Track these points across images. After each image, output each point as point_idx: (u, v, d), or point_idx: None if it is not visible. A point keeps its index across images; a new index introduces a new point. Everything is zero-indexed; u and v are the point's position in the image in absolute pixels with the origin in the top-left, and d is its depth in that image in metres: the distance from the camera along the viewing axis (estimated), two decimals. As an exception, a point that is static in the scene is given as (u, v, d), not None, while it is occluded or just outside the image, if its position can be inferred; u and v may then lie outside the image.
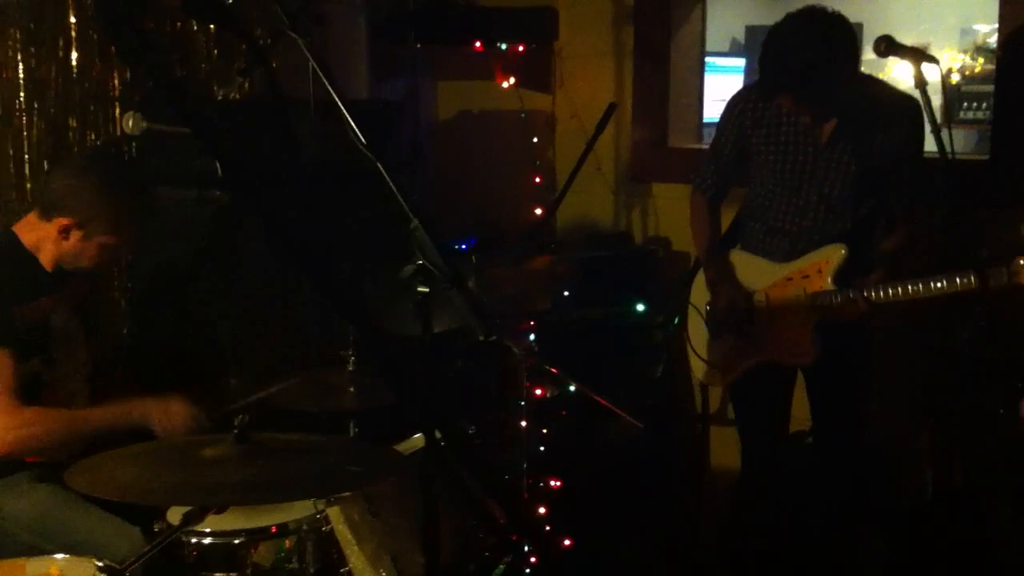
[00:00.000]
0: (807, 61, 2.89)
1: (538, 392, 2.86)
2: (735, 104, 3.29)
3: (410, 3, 4.33)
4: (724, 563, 3.78)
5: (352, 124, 1.94)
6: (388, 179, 1.89)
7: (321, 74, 2.01)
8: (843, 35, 2.97)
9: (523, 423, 2.84)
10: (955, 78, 6.13)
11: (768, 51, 3.00)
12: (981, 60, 6.31)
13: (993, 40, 6.18)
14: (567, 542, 2.98)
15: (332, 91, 1.98)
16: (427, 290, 1.84)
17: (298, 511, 2.35)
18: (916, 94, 3.01)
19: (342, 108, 1.96)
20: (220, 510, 1.97)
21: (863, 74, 3.12)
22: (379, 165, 1.90)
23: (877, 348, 3.36)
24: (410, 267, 1.85)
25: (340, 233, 3.30)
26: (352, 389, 3.02)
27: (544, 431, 3.04)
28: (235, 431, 1.96)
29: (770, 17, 6.80)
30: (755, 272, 3.30)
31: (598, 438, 3.45)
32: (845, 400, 3.31)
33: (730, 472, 3.76)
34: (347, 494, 2.27)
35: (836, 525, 3.44)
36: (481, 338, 1.81)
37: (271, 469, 1.90)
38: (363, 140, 1.92)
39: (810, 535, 3.50)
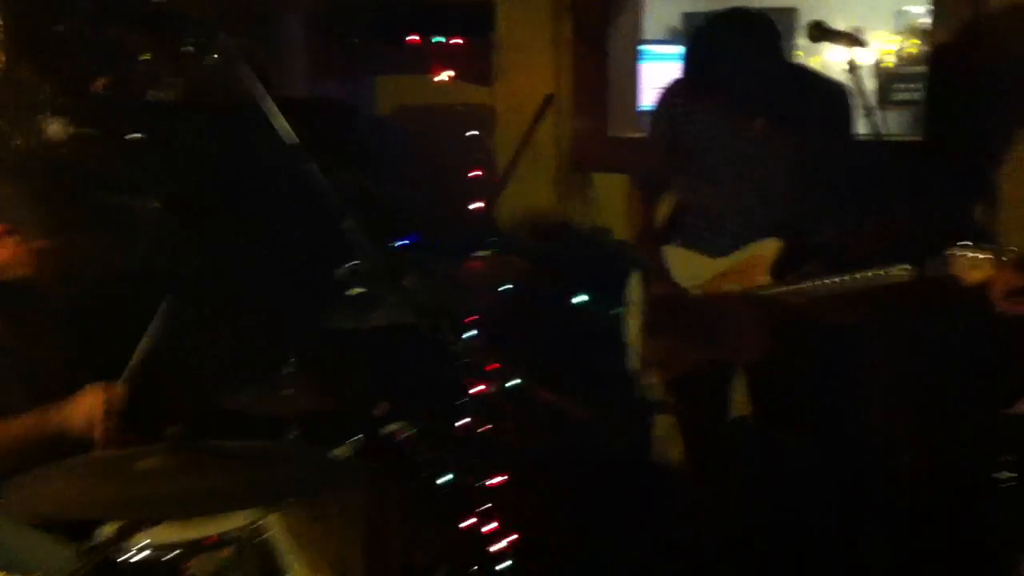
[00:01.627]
0: (733, 60, 2.90)
1: (481, 388, 2.84)
2: (666, 98, 3.27)
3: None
4: (676, 554, 3.78)
5: (283, 123, 1.92)
6: (321, 177, 1.87)
7: (252, 74, 1.98)
8: (767, 33, 2.98)
9: (466, 421, 2.81)
10: (891, 61, 6.19)
11: (695, 50, 3.01)
12: (915, 41, 6.38)
13: (926, 21, 6.26)
14: (512, 539, 2.96)
15: (262, 91, 1.96)
16: (364, 290, 1.82)
17: (237, 520, 2.31)
18: (849, 78, 3.05)
19: (273, 107, 1.94)
20: (155, 522, 1.92)
21: (792, 64, 3.14)
22: (313, 165, 1.88)
23: (857, 347, 3.36)
24: (347, 267, 1.83)
25: (276, 234, 3.25)
26: (292, 392, 2.98)
27: (488, 427, 3.01)
28: (167, 441, 1.92)
29: (706, 4, 6.83)
30: (692, 268, 3.28)
31: (545, 432, 3.43)
32: (786, 395, 3.29)
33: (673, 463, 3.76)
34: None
35: (787, 515, 3.44)
36: (424, 333, 1.79)
37: (206, 479, 1.86)
38: (295, 139, 1.90)
39: (759, 527, 3.50)
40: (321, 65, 4.40)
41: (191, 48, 3.18)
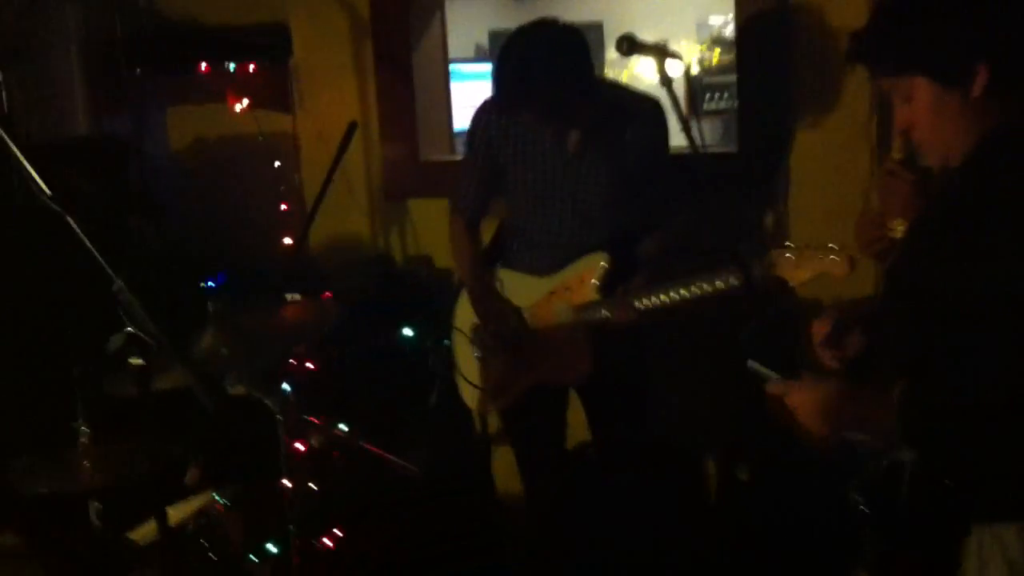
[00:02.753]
0: (542, 77, 2.81)
1: (299, 447, 2.61)
2: (480, 117, 3.18)
3: (120, 27, 3.96)
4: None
5: (32, 172, 1.64)
6: (80, 234, 1.60)
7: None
8: (576, 47, 2.90)
9: (286, 482, 2.58)
10: (695, 70, 6.27)
11: (502, 68, 2.90)
12: (718, 51, 6.50)
13: (728, 31, 6.39)
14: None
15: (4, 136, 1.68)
16: (141, 362, 1.57)
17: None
18: (662, 91, 2.99)
19: (18, 155, 1.66)
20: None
21: (603, 79, 3.08)
22: (69, 219, 1.61)
23: (658, 354, 3.30)
24: (119, 336, 1.57)
25: (43, 296, 2.93)
26: (87, 464, 2.67)
27: (312, 486, 2.79)
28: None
29: (512, 20, 6.75)
30: (519, 289, 3.20)
31: (375, 481, 3.22)
32: (624, 412, 3.23)
33: (520, 495, 3.62)
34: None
35: (632, 539, 3.36)
36: (208, 411, 1.56)
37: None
38: (47, 190, 1.63)
39: (606, 553, 3.40)
40: (102, 100, 4.05)
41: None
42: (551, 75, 2.81)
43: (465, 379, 3.23)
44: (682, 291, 2.85)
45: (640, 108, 3.07)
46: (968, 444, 1.74)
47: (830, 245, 2.64)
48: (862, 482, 1.91)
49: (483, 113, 3.17)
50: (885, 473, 1.86)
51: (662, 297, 2.88)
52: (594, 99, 2.96)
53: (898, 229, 2.31)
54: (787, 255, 2.69)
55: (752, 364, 1.97)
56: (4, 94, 3.45)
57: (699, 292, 2.83)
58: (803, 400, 1.89)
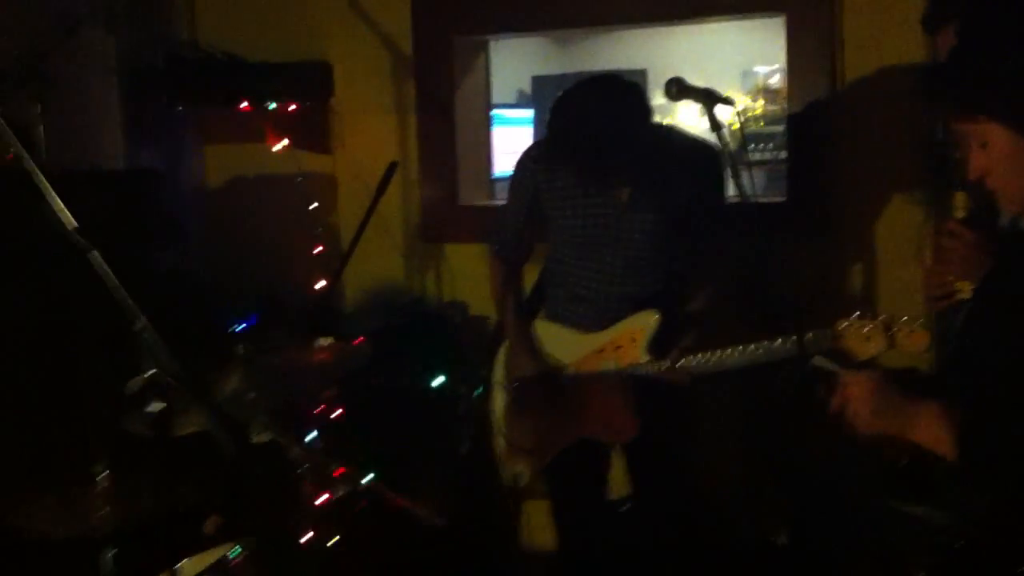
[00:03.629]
0: (600, 137, 2.73)
1: (324, 496, 2.51)
2: (526, 163, 3.09)
3: (161, 59, 3.92)
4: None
5: (58, 204, 1.56)
6: (105, 269, 1.52)
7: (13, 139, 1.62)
8: (635, 102, 2.82)
9: (310, 533, 2.48)
10: (738, 120, 6.17)
11: (557, 122, 2.82)
12: (762, 101, 6.41)
13: (773, 81, 6.30)
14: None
15: (29, 162, 1.60)
16: (162, 406, 1.48)
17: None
18: (711, 137, 2.90)
19: (46, 187, 1.58)
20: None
21: (658, 125, 2.98)
22: (94, 253, 1.53)
23: (700, 412, 3.20)
24: (139, 379, 1.48)
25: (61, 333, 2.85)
26: (107, 509, 2.58)
27: (334, 539, 2.68)
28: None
29: (556, 67, 6.74)
30: (562, 344, 3.08)
31: (400, 533, 3.11)
32: (669, 471, 3.12)
33: (545, 550, 3.50)
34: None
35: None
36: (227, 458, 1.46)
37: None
38: (74, 223, 1.55)
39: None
40: (141, 134, 4.01)
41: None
42: (609, 135, 2.73)
43: (501, 432, 3.11)
44: (740, 358, 2.76)
45: (696, 154, 2.98)
46: None
47: (904, 318, 2.50)
48: (928, 560, 1.78)
49: (529, 157, 3.09)
50: (959, 555, 1.73)
51: (715, 361, 2.79)
52: (649, 149, 2.87)
53: (965, 289, 2.19)
54: (856, 327, 2.54)
55: (817, 360, 1.97)
56: (41, 127, 3.41)
57: (758, 360, 2.73)
58: (860, 389, 1.86)
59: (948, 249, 2.25)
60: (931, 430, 1.77)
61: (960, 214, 2.25)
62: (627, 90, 2.83)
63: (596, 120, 2.74)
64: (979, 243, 2.18)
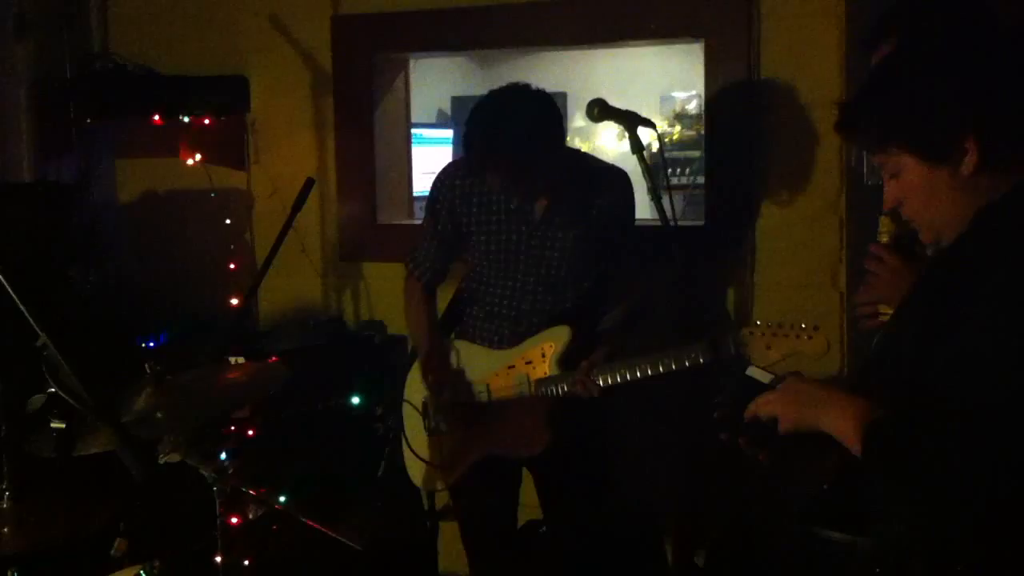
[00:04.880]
0: (514, 140, 2.74)
1: (234, 520, 2.45)
2: (443, 181, 3.09)
3: (72, 70, 3.82)
4: None
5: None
6: (4, 283, 1.45)
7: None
8: (548, 112, 2.85)
9: (218, 558, 2.41)
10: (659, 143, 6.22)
11: (473, 129, 2.83)
12: (679, 127, 6.47)
13: (692, 106, 6.37)
14: None
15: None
16: (63, 426, 1.42)
17: None
18: (632, 159, 2.92)
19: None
20: None
21: (570, 148, 3.02)
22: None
23: (614, 429, 3.19)
24: (40, 396, 1.41)
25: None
26: (7, 530, 2.48)
27: (246, 562, 2.61)
28: None
29: (476, 87, 6.73)
30: (475, 361, 3.07)
31: (315, 556, 3.05)
32: (579, 489, 3.11)
33: (464, 573, 3.46)
34: None
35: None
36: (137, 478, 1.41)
37: None
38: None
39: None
40: (51, 146, 3.89)
41: None
42: (522, 138, 2.75)
43: (414, 454, 3.08)
44: (648, 367, 2.77)
45: (609, 178, 3.02)
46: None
47: (804, 325, 2.56)
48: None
49: (446, 176, 3.10)
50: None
51: (627, 373, 2.80)
52: (563, 166, 2.91)
53: (885, 314, 2.22)
54: (758, 334, 2.61)
55: (751, 370, 1.94)
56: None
57: (665, 369, 2.74)
58: (787, 388, 1.86)
59: (873, 273, 2.28)
60: (841, 420, 1.77)
61: (884, 239, 2.28)
62: (542, 97, 2.86)
63: (515, 123, 2.76)
64: (903, 268, 2.21)
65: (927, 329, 1.74)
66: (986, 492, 1.59)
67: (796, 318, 2.65)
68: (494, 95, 2.86)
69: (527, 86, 2.87)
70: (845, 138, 1.97)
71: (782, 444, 1.85)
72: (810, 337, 2.54)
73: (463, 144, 2.89)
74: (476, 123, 2.81)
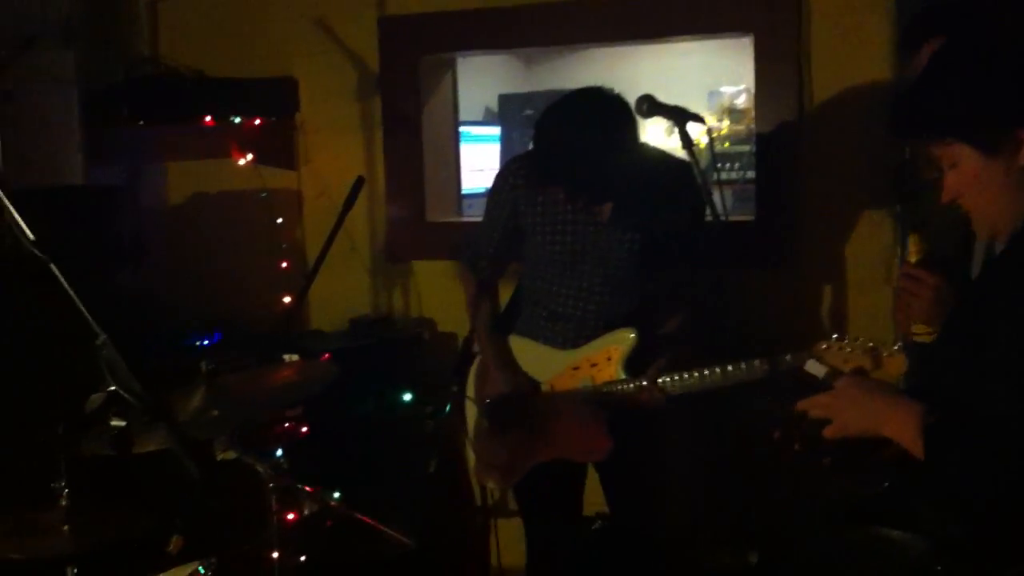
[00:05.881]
0: (587, 150, 2.70)
1: (290, 516, 2.47)
2: (506, 178, 3.06)
3: (122, 75, 3.87)
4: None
5: (15, 216, 1.52)
6: (64, 283, 1.48)
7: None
8: (623, 116, 2.79)
9: (274, 554, 2.43)
10: (708, 138, 6.19)
11: (546, 132, 2.79)
12: (727, 122, 6.43)
13: (740, 101, 6.32)
14: None
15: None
16: (123, 424, 1.44)
17: None
18: (683, 155, 2.90)
19: (3, 199, 1.54)
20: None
21: (640, 144, 2.96)
22: (52, 267, 1.48)
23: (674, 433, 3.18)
24: (98, 395, 1.43)
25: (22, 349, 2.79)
26: (66, 528, 2.52)
27: (302, 558, 2.63)
28: None
29: (522, 85, 6.73)
30: (537, 361, 3.05)
31: (369, 553, 3.06)
32: (641, 492, 3.10)
33: (516, 568, 3.46)
34: None
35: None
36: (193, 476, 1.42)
37: None
38: (29, 235, 1.51)
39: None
40: (101, 151, 3.94)
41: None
42: (596, 149, 2.70)
43: (478, 453, 3.07)
44: (719, 378, 2.76)
45: (674, 172, 2.96)
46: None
47: (871, 345, 2.49)
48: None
49: (509, 173, 3.06)
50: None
51: (692, 381, 2.78)
52: (632, 167, 2.84)
53: (922, 333, 2.19)
54: (835, 349, 2.53)
55: (809, 365, 2.00)
56: (-2, 138, 3.35)
57: (730, 378, 2.73)
58: (847, 389, 1.89)
59: (910, 293, 2.24)
60: (904, 427, 1.77)
61: (914, 258, 2.25)
62: (616, 101, 2.81)
63: (587, 134, 2.71)
64: (940, 285, 2.18)
65: (979, 336, 1.75)
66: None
67: (874, 337, 2.59)
68: (570, 97, 2.83)
69: (601, 89, 2.82)
70: (899, 133, 1.99)
71: (839, 445, 1.85)
72: (891, 355, 2.48)
73: (533, 143, 2.85)
74: (549, 124, 2.78)
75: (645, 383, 2.83)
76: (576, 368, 2.97)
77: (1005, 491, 1.64)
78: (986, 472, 1.66)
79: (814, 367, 1.92)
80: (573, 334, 2.99)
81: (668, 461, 3.23)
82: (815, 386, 2.00)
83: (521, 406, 3.01)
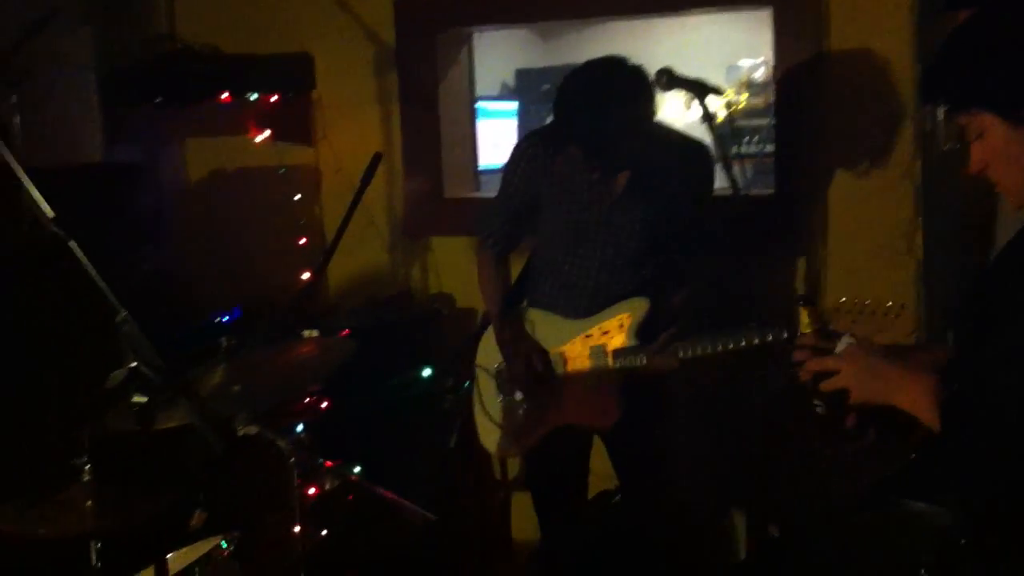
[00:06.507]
0: (607, 116, 2.71)
1: (312, 491, 2.48)
2: (523, 151, 3.07)
3: (139, 53, 3.88)
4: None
5: (36, 196, 1.53)
6: (84, 260, 1.48)
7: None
8: (641, 88, 2.79)
9: (296, 528, 2.45)
10: (727, 111, 6.15)
11: (563, 100, 2.79)
12: (746, 95, 6.38)
13: (758, 75, 6.27)
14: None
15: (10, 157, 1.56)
16: (144, 400, 1.45)
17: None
18: (699, 128, 2.88)
19: (23, 178, 1.54)
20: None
21: (653, 121, 2.96)
22: (72, 245, 1.49)
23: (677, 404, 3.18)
24: (120, 372, 1.44)
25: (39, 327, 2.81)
26: (90, 504, 2.54)
27: (324, 532, 2.65)
28: None
29: (540, 59, 6.69)
30: (550, 330, 3.07)
31: (390, 527, 3.09)
32: (649, 460, 3.12)
33: (535, 542, 3.48)
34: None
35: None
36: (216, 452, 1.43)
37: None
38: (50, 213, 1.51)
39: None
40: (120, 128, 3.95)
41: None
42: (616, 115, 2.72)
43: (488, 419, 3.10)
44: (729, 343, 2.75)
45: (689, 152, 2.99)
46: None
47: (890, 303, 2.49)
48: (931, 559, 1.77)
49: (527, 146, 3.08)
50: (962, 552, 1.72)
51: (707, 347, 2.78)
52: (647, 140, 2.85)
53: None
54: (844, 310, 2.54)
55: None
56: (18, 117, 3.36)
57: (743, 345, 2.72)
58: (853, 359, 1.89)
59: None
60: (919, 398, 1.77)
61: (807, 330, 2.23)
62: (635, 72, 2.80)
63: (605, 100, 2.72)
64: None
65: (992, 317, 1.74)
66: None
67: (881, 297, 2.58)
68: (589, 66, 2.82)
69: (623, 59, 2.82)
70: (927, 99, 1.99)
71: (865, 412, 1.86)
72: (898, 315, 2.48)
73: (553, 112, 2.85)
74: (567, 93, 2.78)
75: (659, 350, 2.84)
76: (588, 336, 2.99)
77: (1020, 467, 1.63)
78: (1001, 447, 1.66)
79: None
80: (586, 303, 3.01)
81: (682, 432, 3.23)
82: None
83: (532, 374, 3.03)
